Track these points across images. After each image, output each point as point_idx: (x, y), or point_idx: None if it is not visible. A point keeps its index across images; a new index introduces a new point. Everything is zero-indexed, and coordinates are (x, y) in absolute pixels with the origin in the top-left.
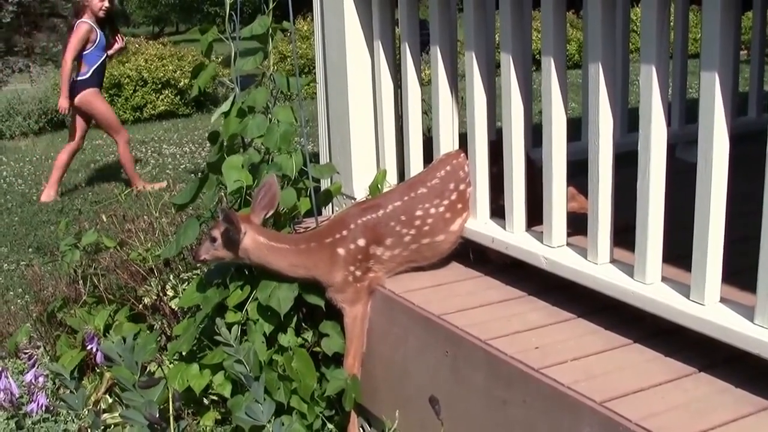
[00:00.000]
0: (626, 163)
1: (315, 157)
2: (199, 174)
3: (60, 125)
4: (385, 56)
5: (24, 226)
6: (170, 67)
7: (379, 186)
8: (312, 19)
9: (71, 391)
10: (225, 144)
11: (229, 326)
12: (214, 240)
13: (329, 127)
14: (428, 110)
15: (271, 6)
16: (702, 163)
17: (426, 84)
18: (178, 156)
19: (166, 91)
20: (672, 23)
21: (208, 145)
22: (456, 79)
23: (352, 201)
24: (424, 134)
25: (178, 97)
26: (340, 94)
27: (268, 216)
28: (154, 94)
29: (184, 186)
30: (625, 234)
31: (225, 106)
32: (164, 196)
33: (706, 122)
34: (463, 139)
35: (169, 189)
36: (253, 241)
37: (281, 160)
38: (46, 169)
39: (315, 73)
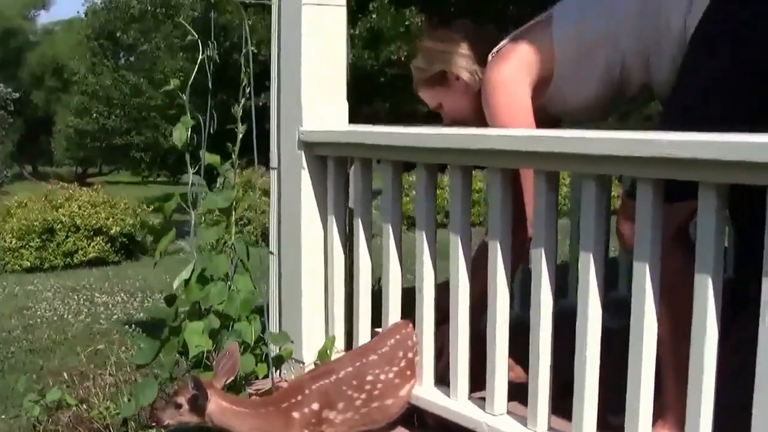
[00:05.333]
0: None
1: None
2: (134, 326)
3: None
4: (337, 230)
5: None
6: (103, 215)
7: (327, 352)
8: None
9: None
10: (187, 310)
11: None
12: (179, 406)
13: (281, 296)
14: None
15: (235, 180)
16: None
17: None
18: (110, 305)
19: (98, 238)
20: None
21: (140, 294)
22: (402, 254)
23: (302, 365)
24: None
25: (109, 244)
26: (293, 268)
27: (228, 381)
28: (85, 241)
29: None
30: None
31: (186, 273)
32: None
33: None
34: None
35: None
36: (218, 406)
37: (241, 327)
38: None
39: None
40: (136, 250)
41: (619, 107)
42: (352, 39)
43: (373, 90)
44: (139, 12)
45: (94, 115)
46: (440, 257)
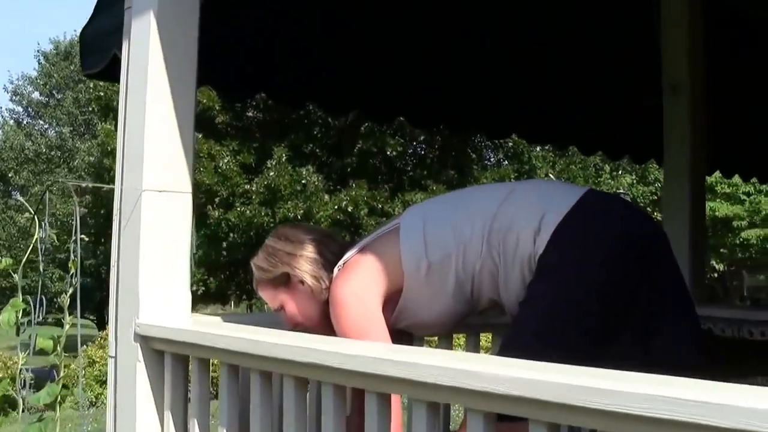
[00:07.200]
0: None
1: None
2: None
3: None
4: (174, 429)
5: None
6: None
7: None
8: None
9: None
10: None
11: None
12: None
13: None
14: None
15: (62, 374)
16: None
17: None
18: None
19: None
20: None
21: None
22: None
23: None
24: None
25: None
26: None
27: None
28: None
29: None
30: None
31: None
32: None
33: None
34: None
35: None
36: None
37: None
38: None
39: None
40: (7, 407)
41: (469, 318)
42: (249, 195)
43: None
44: (34, 153)
45: None
46: None
